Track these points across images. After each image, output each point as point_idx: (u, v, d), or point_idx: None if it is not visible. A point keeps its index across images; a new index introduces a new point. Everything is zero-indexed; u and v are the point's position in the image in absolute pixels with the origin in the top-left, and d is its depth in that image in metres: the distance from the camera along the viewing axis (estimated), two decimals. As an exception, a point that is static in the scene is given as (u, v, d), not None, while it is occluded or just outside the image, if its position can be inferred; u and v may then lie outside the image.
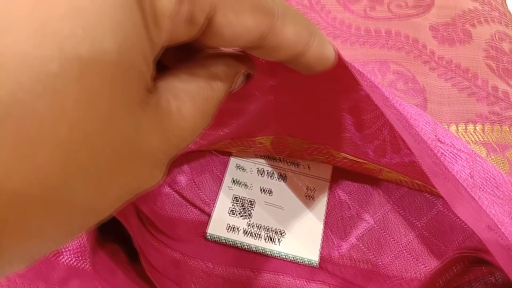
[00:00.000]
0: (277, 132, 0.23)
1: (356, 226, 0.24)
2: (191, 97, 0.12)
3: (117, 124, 0.09)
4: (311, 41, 0.13)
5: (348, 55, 0.28)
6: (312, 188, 0.25)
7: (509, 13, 0.33)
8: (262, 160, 0.26)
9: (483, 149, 0.23)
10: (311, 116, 0.21)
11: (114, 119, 0.09)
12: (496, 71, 0.27)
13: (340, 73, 0.15)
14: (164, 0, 0.10)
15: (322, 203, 0.25)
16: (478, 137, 0.24)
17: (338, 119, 0.20)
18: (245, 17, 0.11)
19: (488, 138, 0.23)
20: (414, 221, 0.24)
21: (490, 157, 0.23)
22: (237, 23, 0.11)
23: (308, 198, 0.25)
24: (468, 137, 0.24)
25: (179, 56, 0.14)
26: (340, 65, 0.15)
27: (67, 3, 0.08)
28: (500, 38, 0.29)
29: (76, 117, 0.08)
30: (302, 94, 0.20)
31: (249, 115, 0.21)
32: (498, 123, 0.24)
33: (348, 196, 0.25)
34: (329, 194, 0.25)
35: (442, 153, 0.14)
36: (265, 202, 0.24)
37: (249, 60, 0.15)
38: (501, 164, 0.22)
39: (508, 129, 0.24)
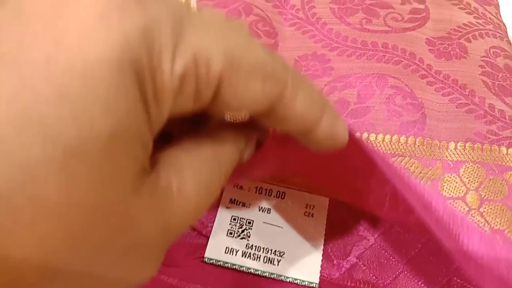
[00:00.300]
0: (276, 181, 0.23)
1: (356, 244, 0.24)
2: (195, 173, 0.11)
3: (106, 216, 0.08)
4: (323, 117, 0.12)
5: (345, 67, 0.28)
6: (311, 205, 0.24)
7: (503, 24, 0.33)
8: (260, 178, 0.25)
9: (482, 169, 0.23)
10: (314, 176, 0.21)
11: (102, 210, 0.08)
12: (492, 88, 0.27)
13: (352, 151, 0.14)
14: (166, 77, 0.09)
15: (321, 221, 0.24)
16: (477, 157, 0.24)
17: (342, 184, 0.20)
18: (254, 86, 0.11)
19: (486, 158, 0.23)
20: (414, 240, 0.23)
21: (489, 178, 0.23)
22: (245, 93, 0.11)
23: (308, 216, 0.24)
24: (467, 156, 0.24)
25: (183, 123, 0.13)
26: (353, 142, 0.14)
27: (54, 85, 0.08)
28: (495, 53, 0.29)
29: (57, 210, 0.08)
30: (307, 159, 0.19)
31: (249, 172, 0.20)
32: (496, 143, 0.24)
33: (348, 213, 0.25)
34: (328, 212, 0.24)
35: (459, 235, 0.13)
36: (263, 221, 0.24)
37: (260, 128, 0.14)
38: (500, 187, 0.22)
39: (505, 151, 0.24)
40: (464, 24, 0.31)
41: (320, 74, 0.28)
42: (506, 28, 0.33)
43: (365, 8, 0.31)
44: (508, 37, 0.32)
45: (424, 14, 0.31)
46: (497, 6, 0.34)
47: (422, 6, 0.31)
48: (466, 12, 0.32)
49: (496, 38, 0.30)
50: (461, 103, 0.26)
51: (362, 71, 0.28)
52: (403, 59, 0.28)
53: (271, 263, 0.23)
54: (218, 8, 0.31)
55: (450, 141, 0.24)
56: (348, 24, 0.30)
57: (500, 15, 0.33)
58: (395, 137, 0.25)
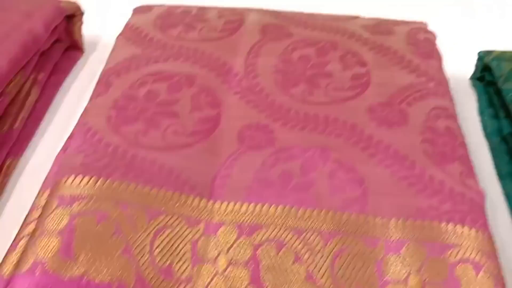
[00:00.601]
0: None
1: None
2: None
3: None
4: None
5: (288, 139, 0.28)
6: None
7: (445, 78, 0.33)
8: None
9: (423, 248, 0.23)
10: None
11: None
12: (432, 157, 0.27)
13: None
14: None
15: None
16: (418, 235, 0.23)
17: None
18: None
19: (427, 237, 0.23)
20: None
21: (430, 259, 0.23)
22: None
23: None
24: (409, 234, 0.23)
25: None
26: None
27: None
28: (435, 115, 0.30)
29: None
30: None
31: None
32: (437, 219, 0.24)
33: None
34: None
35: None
36: None
37: None
38: (440, 268, 0.22)
39: (445, 227, 0.24)
40: (405, 87, 0.31)
41: (264, 145, 0.28)
42: (448, 82, 0.33)
43: (307, 79, 0.31)
44: (450, 93, 0.32)
45: (365, 79, 0.31)
46: (439, 59, 0.35)
47: (363, 70, 0.32)
48: (407, 72, 0.32)
49: (438, 96, 0.31)
50: (402, 176, 0.26)
51: (305, 143, 0.28)
52: (345, 131, 0.28)
53: None
54: (160, 83, 0.31)
55: (392, 217, 0.24)
56: (290, 96, 0.30)
57: (442, 69, 0.34)
58: (338, 214, 0.25)
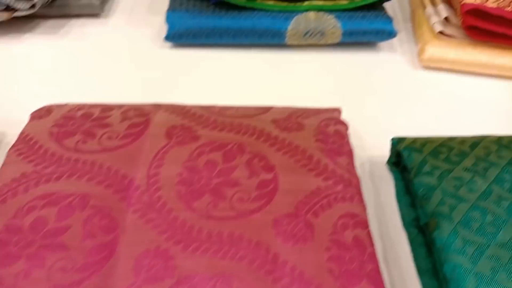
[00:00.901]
0: None
1: None
2: None
3: None
4: None
5: (189, 266, 0.26)
6: None
7: (356, 176, 0.33)
8: None
9: None
10: None
11: None
12: (339, 278, 0.26)
13: None
14: None
15: None
16: None
17: None
18: None
19: None
20: None
21: None
22: None
23: None
24: None
25: None
26: None
27: None
28: (343, 225, 0.28)
29: None
30: None
31: None
32: None
33: None
34: None
35: None
36: None
37: None
38: None
39: None
40: (311, 193, 0.30)
41: (162, 275, 0.26)
42: (358, 181, 0.32)
43: (212, 189, 0.30)
44: (360, 193, 0.31)
45: (272, 186, 0.30)
46: (349, 155, 0.34)
47: (270, 176, 0.31)
48: (315, 174, 0.31)
49: (346, 201, 0.30)
50: (306, 306, 0.24)
51: (207, 271, 0.26)
52: (249, 252, 0.26)
53: None
54: (49, 208, 0.28)
55: None
56: (193, 210, 0.29)
57: (353, 164, 0.33)
58: None
